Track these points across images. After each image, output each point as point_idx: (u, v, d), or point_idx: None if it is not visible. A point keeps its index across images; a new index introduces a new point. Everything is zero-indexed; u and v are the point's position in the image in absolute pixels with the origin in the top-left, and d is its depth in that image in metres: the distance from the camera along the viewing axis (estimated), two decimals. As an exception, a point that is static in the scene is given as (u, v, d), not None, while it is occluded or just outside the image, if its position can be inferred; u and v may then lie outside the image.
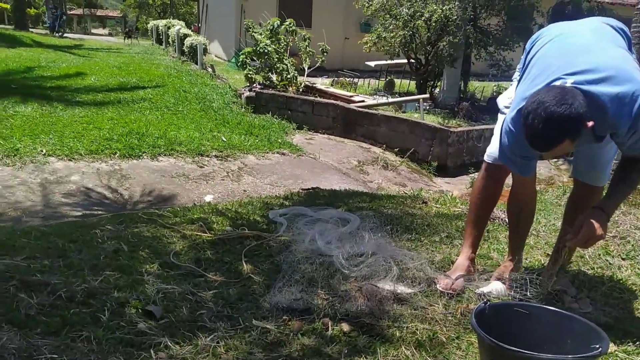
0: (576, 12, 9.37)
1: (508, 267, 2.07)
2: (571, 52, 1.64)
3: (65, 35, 20.56)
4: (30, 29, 20.79)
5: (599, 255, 2.49)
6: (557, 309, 1.56)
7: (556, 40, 1.76)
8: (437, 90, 10.89)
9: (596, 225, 1.59)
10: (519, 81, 1.93)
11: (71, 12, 35.58)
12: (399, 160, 6.15)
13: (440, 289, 1.98)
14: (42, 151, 4.15)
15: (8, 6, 23.94)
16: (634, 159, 1.66)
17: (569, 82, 1.51)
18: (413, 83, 11.27)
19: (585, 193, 2.02)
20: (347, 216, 2.74)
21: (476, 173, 5.25)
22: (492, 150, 2.03)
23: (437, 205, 3.26)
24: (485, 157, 2.08)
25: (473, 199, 2.18)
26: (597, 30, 1.74)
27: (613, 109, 1.49)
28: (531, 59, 1.81)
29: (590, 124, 1.46)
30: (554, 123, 1.44)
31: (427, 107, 9.27)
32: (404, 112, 8.53)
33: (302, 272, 2.03)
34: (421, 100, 8.18)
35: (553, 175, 5.77)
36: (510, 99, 2.03)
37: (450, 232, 2.65)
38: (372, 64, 11.77)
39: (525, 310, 1.53)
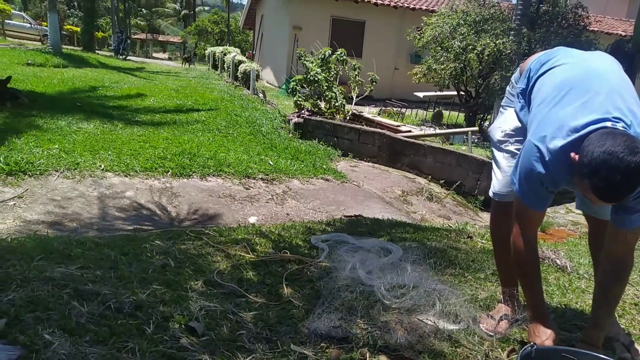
0: (636, 50, 9.05)
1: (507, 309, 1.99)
2: (610, 90, 1.54)
3: (128, 57, 21.83)
4: (97, 51, 22.22)
5: (657, 304, 2.34)
6: (607, 357, 1.48)
7: (580, 66, 1.67)
8: (486, 123, 10.72)
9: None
10: (524, 104, 1.82)
11: (135, 37, 37.85)
12: (445, 193, 6.05)
13: (484, 329, 1.92)
14: (100, 166, 4.37)
15: (78, 29, 25.73)
16: (615, 264, 1.63)
17: (619, 126, 1.45)
18: (462, 115, 11.15)
19: (601, 228, 1.86)
20: (390, 246, 2.73)
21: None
22: (500, 188, 1.93)
23: (483, 241, 3.18)
24: (493, 196, 1.97)
25: (494, 240, 2.08)
26: (618, 71, 1.66)
27: None
28: (541, 78, 1.73)
29: None
30: (633, 173, 1.34)
31: (476, 140, 9.12)
32: (451, 144, 8.43)
33: (342, 300, 2.03)
34: (470, 133, 8.07)
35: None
36: (504, 131, 1.95)
37: (496, 269, 2.57)
38: (420, 94, 11.77)
39: (574, 356, 1.46)
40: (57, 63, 12.63)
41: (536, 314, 1.71)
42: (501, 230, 1.93)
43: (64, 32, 25.25)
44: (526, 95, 1.81)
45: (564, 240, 3.91)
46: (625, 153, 1.33)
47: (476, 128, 9.74)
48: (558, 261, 2.80)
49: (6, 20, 21.91)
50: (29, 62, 11.83)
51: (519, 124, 1.89)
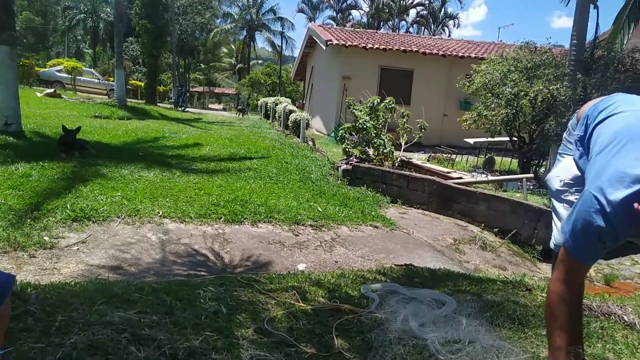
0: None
1: None
2: None
3: (186, 109, 23.10)
4: (158, 104, 23.70)
5: None
6: None
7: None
8: (542, 170, 10.38)
9: None
10: (583, 152, 1.76)
11: (193, 89, 40.18)
12: (499, 241, 5.84)
13: (547, 389, 1.80)
14: (159, 213, 4.56)
15: (142, 84, 27.65)
16: None
17: None
18: (515, 161, 10.88)
19: None
20: (443, 298, 2.64)
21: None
22: (560, 239, 1.85)
23: (543, 294, 3.02)
24: (554, 247, 1.91)
25: None
26: None
27: None
28: (599, 125, 1.68)
29: None
30: None
31: (531, 187, 8.82)
32: (504, 191, 8.20)
33: (394, 353, 1.97)
34: (524, 179, 7.83)
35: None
36: (563, 180, 1.90)
37: (558, 325, 2.43)
38: (471, 140, 11.63)
39: None
40: (122, 115, 13.55)
41: None
42: None
43: (129, 87, 27.18)
44: (584, 142, 1.77)
45: (630, 295, 3.64)
46: None
47: (531, 175, 9.44)
48: (625, 317, 2.60)
49: (77, 77, 23.92)
50: (97, 114, 12.77)
51: (578, 173, 1.83)
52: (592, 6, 9.05)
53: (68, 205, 4.29)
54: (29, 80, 22.12)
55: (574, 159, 1.86)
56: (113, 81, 20.92)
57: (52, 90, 17.75)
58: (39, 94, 16.58)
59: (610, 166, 1.51)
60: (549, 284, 1.66)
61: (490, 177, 8.71)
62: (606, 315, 2.65)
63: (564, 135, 2.00)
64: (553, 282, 1.64)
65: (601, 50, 9.53)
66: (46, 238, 3.63)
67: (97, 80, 25.90)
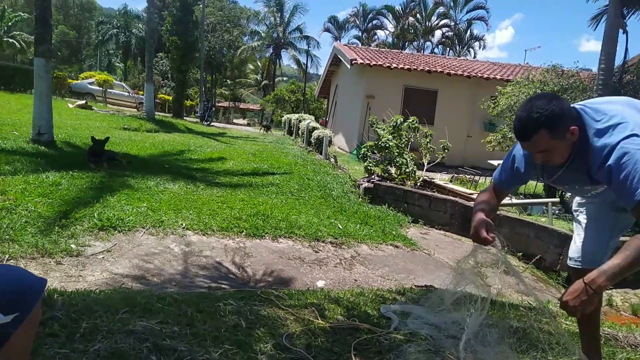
0: None
1: None
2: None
3: (212, 124, 23.49)
4: (185, 117, 24.17)
5: None
6: None
7: None
8: (568, 194, 10.17)
9: (574, 295, 1.63)
10: None
11: (219, 104, 40.90)
12: (523, 266, 5.72)
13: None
14: (182, 225, 4.63)
15: (170, 98, 28.28)
16: None
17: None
18: (540, 185, 10.68)
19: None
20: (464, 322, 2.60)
21: (613, 289, 4.67)
22: (573, 253, 2.11)
23: (567, 322, 2.95)
24: (568, 262, 2.14)
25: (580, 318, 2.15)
26: None
27: (595, 144, 1.68)
28: None
29: (573, 128, 1.66)
30: (532, 110, 1.65)
31: (557, 212, 8.64)
32: (529, 214, 8.05)
33: (412, 376, 1.95)
34: (550, 204, 7.68)
35: None
36: (576, 202, 2.22)
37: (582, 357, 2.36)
38: (495, 162, 11.48)
39: None
40: (150, 128, 13.86)
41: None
42: None
43: (157, 100, 27.81)
44: None
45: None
46: (536, 98, 1.70)
47: (557, 199, 9.26)
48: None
49: (108, 89, 24.60)
50: (125, 126, 13.09)
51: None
52: (621, 30, 8.95)
53: (95, 215, 4.39)
54: (61, 91, 22.82)
55: None
56: (142, 94, 21.45)
57: (83, 101, 18.26)
58: (70, 105, 17.09)
59: None
60: None
61: (515, 200, 8.58)
62: (633, 347, 2.57)
63: None
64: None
65: (630, 75, 9.40)
66: (73, 246, 3.71)
67: (127, 94, 26.58)
